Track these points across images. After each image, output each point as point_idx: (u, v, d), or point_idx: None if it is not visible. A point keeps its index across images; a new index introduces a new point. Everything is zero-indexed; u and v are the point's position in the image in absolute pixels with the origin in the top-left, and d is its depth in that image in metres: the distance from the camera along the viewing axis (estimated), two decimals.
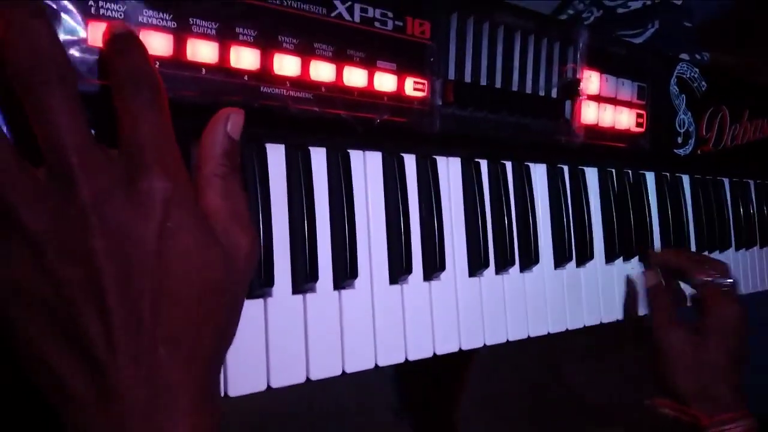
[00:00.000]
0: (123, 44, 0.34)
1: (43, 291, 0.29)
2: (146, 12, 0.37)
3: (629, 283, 0.70)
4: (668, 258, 0.73)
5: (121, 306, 0.29)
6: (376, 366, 0.49)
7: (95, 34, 0.35)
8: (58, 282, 0.29)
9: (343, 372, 0.47)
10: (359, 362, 0.48)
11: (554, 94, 0.61)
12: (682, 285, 0.73)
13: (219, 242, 0.33)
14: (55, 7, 0.34)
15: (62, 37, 0.34)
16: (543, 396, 1.02)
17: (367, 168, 0.50)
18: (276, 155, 0.45)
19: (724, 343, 0.63)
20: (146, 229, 0.30)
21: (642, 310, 0.70)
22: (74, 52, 0.35)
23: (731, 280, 0.68)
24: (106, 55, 0.35)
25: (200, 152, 0.36)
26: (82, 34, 0.35)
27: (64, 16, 0.34)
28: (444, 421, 0.94)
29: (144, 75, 0.33)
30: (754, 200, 0.93)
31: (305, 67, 0.44)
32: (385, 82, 0.48)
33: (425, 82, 0.50)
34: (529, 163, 0.62)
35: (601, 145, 0.65)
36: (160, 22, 0.38)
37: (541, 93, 0.60)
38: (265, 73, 0.42)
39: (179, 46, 0.38)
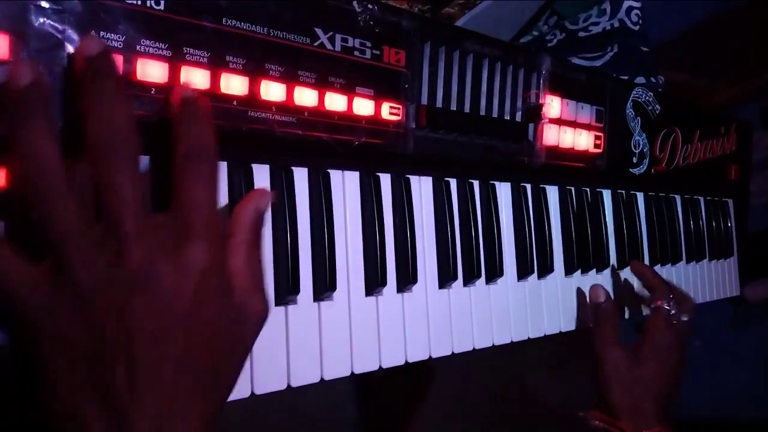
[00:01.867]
0: (193, 113, 0.37)
1: (85, 345, 0.31)
2: (144, 41, 0.40)
3: (580, 296, 0.74)
4: (645, 272, 0.78)
5: (148, 363, 0.32)
6: (352, 373, 0.51)
7: None
8: (100, 337, 0.31)
9: (322, 379, 0.49)
10: (336, 370, 0.51)
11: (518, 117, 0.65)
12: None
13: (239, 305, 0.37)
14: (60, 37, 0.37)
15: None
16: (508, 405, 1.05)
17: (345, 186, 0.53)
18: (261, 175, 0.48)
19: (655, 367, 0.67)
20: (183, 295, 0.33)
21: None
22: None
23: (686, 318, 0.72)
24: (173, 117, 0.37)
25: (233, 222, 0.39)
26: None
27: (68, 46, 0.37)
28: None
29: (208, 150, 0.36)
30: (703, 216, 0.99)
31: (290, 92, 0.47)
32: (363, 106, 0.51)
33: (400, 106, 0.54)
34: (494, 182, 0.66)
35: (562, 165, 0.70)
36: (156, 51, 0.40)
37: (507, 117, 0.64)
38: (252, 99, 0.45)
39: (173, 73, 0.41)
